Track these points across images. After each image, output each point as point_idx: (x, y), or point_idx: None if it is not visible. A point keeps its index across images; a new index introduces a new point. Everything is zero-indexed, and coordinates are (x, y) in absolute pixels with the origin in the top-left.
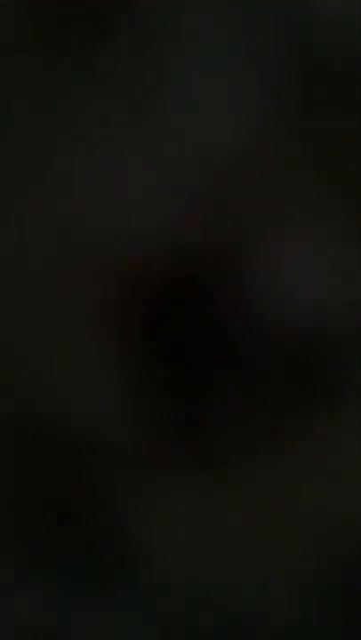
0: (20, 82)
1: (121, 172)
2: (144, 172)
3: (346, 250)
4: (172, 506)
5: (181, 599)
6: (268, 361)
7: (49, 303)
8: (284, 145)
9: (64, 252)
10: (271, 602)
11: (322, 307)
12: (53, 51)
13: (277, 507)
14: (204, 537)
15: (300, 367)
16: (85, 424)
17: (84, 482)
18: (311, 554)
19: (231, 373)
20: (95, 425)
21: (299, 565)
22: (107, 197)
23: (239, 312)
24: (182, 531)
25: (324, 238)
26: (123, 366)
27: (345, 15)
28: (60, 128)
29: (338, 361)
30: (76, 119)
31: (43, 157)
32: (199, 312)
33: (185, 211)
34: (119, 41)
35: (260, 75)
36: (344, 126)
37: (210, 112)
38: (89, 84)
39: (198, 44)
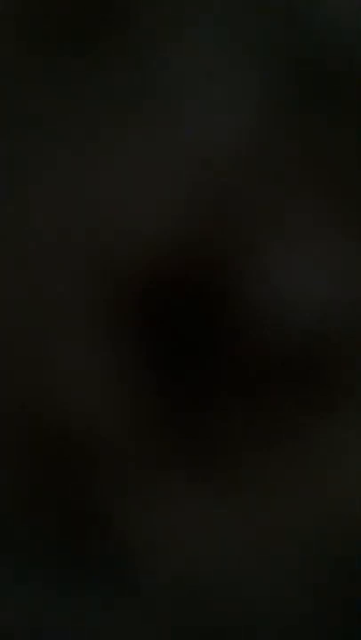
0: (21, 81)
1: (121, 171)
2: (144, 171)
3: (346, 249)
4: (171, 506)
5: (182, 599)
6: (268, 361)
7: (48, 303)
8: (284, 145)
9: (63, 251)
10: (271, 602)
11: (322, 306)
12: (53, 51)
13: (277, 507)
14: (205, 537)
15: (300, 367)
16: (85, 424)
17: (84, 482)
18: (311, 554)
19: (231, 373)
20: (95, 425)
21: (299, 565)
22: (106, 197)
23: (239, 311)
24: (182, 530)
25: (324, 238)
26: (122, 366)
27: (345, 15)
28: (60, 128)
29: (338, 361)
30: (75, 119)
31: (43, 157)
32: (199, 312)
33: (185, 211)
34: (119, 41)
35: (260, 74)
36: (344, 126)
37: (210, 112)
38: (89, 84)
39: (198, 45)
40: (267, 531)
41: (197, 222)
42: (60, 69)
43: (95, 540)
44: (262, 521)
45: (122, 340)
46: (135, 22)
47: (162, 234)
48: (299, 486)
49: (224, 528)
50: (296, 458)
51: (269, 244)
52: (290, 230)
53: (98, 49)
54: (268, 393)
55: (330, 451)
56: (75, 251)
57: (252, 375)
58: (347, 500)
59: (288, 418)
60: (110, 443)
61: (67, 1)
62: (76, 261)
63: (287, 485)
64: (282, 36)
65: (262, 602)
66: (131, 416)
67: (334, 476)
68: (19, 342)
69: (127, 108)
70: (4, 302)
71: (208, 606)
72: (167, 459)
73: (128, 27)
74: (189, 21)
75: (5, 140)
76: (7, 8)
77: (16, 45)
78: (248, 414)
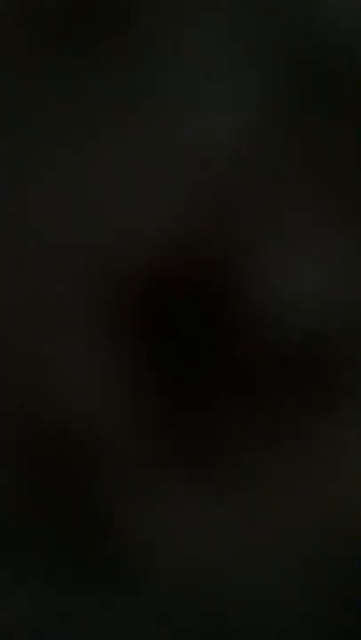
0: (21, 81)
1: (121, 171)
2: (144, 171)
3: (346, 249)
4: (171, 505)
5: (182, 599)
6: (268, 361)
7: (48, 303)
8: (284, 145)
9: (63, 251)
10: (271, 602)
11: (322, 306)
12: (53, 51)
13: (277, 507)
14: (205, 537)
15: (300, 367)
16: (85, 424)
17: (84, 482)
18: (311, 554)
19: (231, 373)
20: (95, 425)
21: (299, 565)
22: (106, 197)
23: (239, 311)
24: (182, 530)
25: (324, 238)
26: (122, 366)
27: (345, 15)
28: (60, 128)
29: (338, 361)
30: (76, 119)
31: (43, 157)
32: (199, 312)
33: (185, 211)
34: (119, 41)
35: (260, 74)
36: (344, 126)
37: (210, 112)
38: (89, 84)
39: (198, 45)
40: (267, 531)
41: (197, 222)
42: (60, 69)
43: (95, 539)
44: (262, 521)
45: (122, 339)
46: (135, 22)
47: (162, 234)
48: (299, 486)
49: (224, 528)
50: (296, 458)
51: (269, 244)
52: (290, 230)
53: (98, 49)
54: (268, 393)
55: (330, 451)
56: (75, 251)
57: (252, 375)
58: (347, 499)
59: (288, 418)
60: (110, 443)
61: (67, 1)
62: (76, 261)
63: (287, 485)
64: (282, 35)
65: (262, 602)
66: (131, 416)
67: (334, 476)
68: (19, 342)
69: (127, 107)
70: (4, 302)
71: (208, 606)
72: (167, 459)
73: (128, 27)
74: (189, 21)
75: (5, 140)
76: (7, 8)
77: (16, 45)
78: (248, 414)
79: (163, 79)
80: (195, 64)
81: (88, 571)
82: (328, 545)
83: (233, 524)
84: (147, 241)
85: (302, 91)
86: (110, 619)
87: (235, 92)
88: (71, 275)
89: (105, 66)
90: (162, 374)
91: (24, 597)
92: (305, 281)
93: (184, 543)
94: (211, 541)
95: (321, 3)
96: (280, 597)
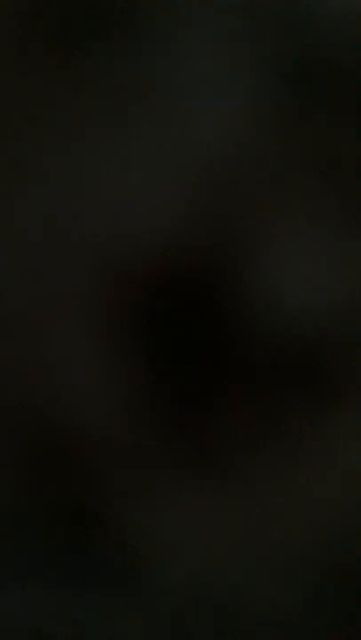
0: (21, 81)
1: (121, 171)
2: (144, 171)
3: (346, 250)
4: (172, 505)
5: (181, 599)
6: (268, 361)
7: (49, 303)
8: (285, 144)
9: (64, 251)
10: (271, 602)
11: (322, 306)
12: (54, 51)
13: (277, 507)
14: (205, 537)
15: (300, 367)
16: (85, 423)
17: (84, 482)
18: (311, 554)
19: (231, 373)
20: (95, 424)
21: (299, 565)
22: (107, 197)
23: (239, 312)
24: (182, 530)
25: (324, 237)
26: (123, 366)
27: (345, 15)
28: (60, 128)
29: (338, 361)
30: (76, 119)
31: (43, 157)
32: (199, 311)
33: (185, 211)
34: (120, 41)
35: (260, 75)
36: (344, 126)
37: (210, 112)
38: (90, 84)
39: (199, 45)
40: (266, 531)
41: (197, 222)
42: (61, 69)
43: (95, 540)
44: (262, 521)
45: (122, 339)
46: (135, 22)
47: (162, 234)
48: (299, 486)
49: (224, 528)
50: (296, 457)
51: (269, 244)
52: (290, 230)
53: (98, 49)
54: (269, 393)
55: (330, 451)
56: (75, 250)
57: (252, 375)
58: (347, 500)
59: (288, 417)
60: (110, 443)
61: (67, 1)
62: (76, 261)
63: (287, 485)
64: (282, 35)
65: (262, 602)
66: (130, 416)
67: (334, 476)
68: (19, 342)
69: (127, 108)
70: (5, 302)
71: (208, 606)
72: (167, 458)
73: (128, 27)
74: (189, 21)
75: (5, 140)
76: (8, 8)
77: (16, 45)
78: (248, 414)
79: (163, 79)
80: (195, 64)
81: (88, 571)
82: (328, 546)
83: (233, 523)
84: (147, 241)
85: (302, 90)
86: (110, 619)
87: (234, 92)
88: (71, 275)
89: (105, 66)
90: (162, 374)
91: (24, 597)
92: (305, 281)
93: (184, 543)
94: (211, 541)
95: (321, 3)
96: (280, 597)
